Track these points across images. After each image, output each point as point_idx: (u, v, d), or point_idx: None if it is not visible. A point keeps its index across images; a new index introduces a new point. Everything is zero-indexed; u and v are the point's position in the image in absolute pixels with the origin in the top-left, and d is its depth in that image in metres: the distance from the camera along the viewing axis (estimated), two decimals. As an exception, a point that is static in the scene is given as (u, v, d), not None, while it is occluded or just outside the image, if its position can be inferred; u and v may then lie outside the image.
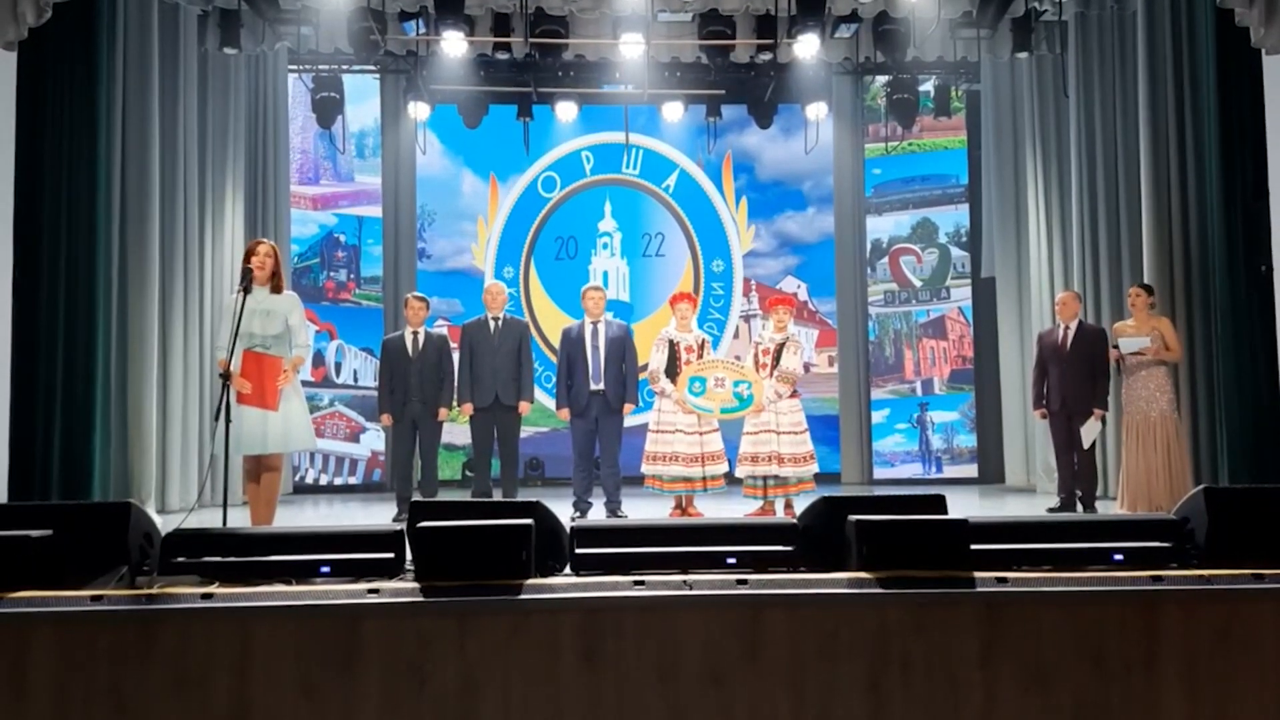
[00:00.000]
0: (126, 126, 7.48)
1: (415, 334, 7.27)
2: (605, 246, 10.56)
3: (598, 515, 6.83)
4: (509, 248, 10.57)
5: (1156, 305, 7.02)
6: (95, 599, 2.97)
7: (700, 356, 6.85)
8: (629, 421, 7.24)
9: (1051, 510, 7.07)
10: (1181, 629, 3.02)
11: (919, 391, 10.33)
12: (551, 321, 10.08)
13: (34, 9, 6.20)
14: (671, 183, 10.62)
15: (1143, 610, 3.03)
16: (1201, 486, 3.54)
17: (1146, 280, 7.45)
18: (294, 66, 9.56)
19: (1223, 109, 6.98)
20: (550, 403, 8.78)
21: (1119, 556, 3.33)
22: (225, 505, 4.87)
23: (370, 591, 3.03)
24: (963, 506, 5.79)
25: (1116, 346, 6.79)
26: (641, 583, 3.08)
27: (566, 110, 9.88)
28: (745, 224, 10.64)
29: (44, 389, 6.65)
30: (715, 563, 3.30)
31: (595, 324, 7.08)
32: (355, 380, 10.07)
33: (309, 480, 9.82)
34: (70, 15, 6.59)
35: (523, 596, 3.02)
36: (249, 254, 5.30)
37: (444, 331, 7.82)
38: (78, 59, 6.92)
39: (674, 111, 9.99)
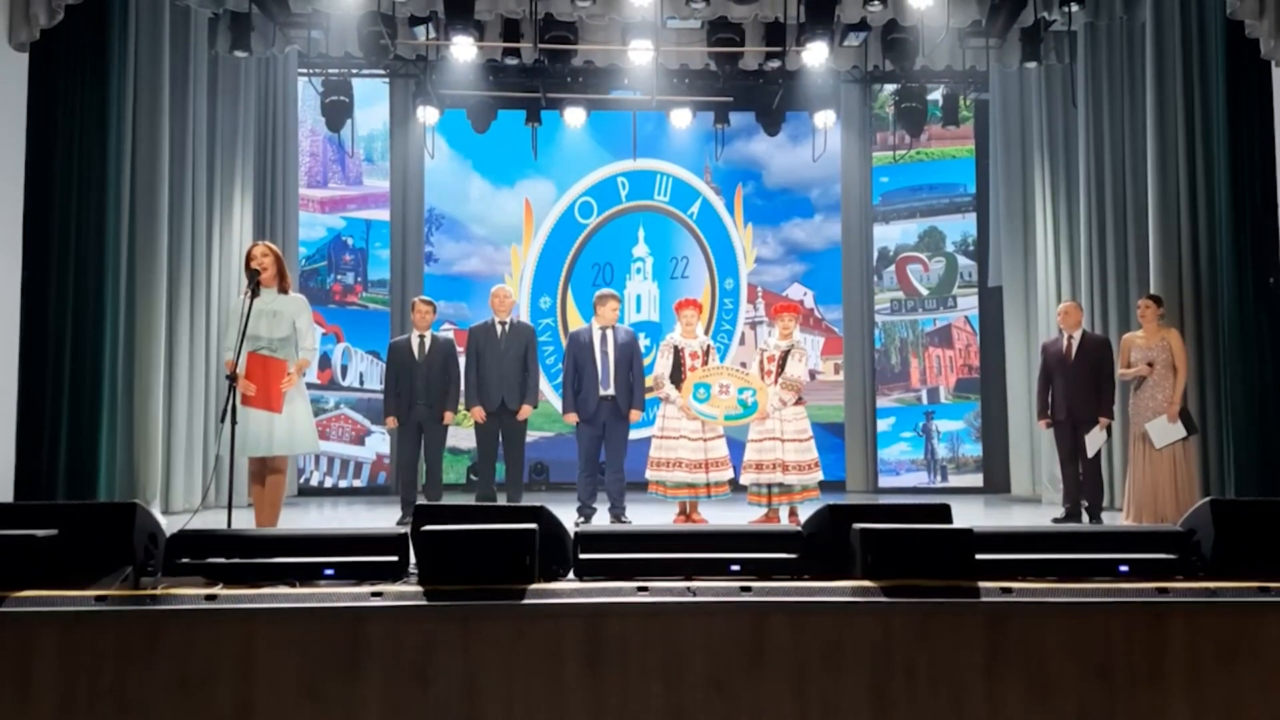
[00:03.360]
0: (137, 128, 7.50)
1: (421, 337, 7.28)
2: (639, 271, 10.66)
3: (602, 520, 6.82)
4: (545, 276, 10.61)
5: (1166, 316, 7.00)
6: (100, 599, 2.98)
7: (705, 363, 6.84)
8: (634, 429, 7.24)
9: (1057, 521, 7.05)
10: (1187, 641, 3.01)
11: (924, 400, 10.31)
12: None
13: (46, 10, 6.23)
14: (696, 209, 10.75)
15: (1148, 622, 3.02)
16: (1208, 498, 3.54)
17: (1154, 291, 7.43)
18: (304, 70, 9.59)
19: (1232, 120, 6.96)
20: (558, 407, 8.78)
21: (1124, 568, 3.32)
22: (230, 507, 4.88)
23: (374, 594, 3.04)
24: (968, 516, 5.76)
25: (1131, 364, 6.77)
26: (645, 589, 3.08)
27: (575, 116, 9.91)
28: (750, 245, 10.76)
29: (51, 389, 6.66)
30: (719, 569, 3.29)
31: (605, 329, 7.07)
32: (361, 383, 10.08)
33: (314, 483, 9.83)
34: (82, 17, 6.62)
35: (526, 601, 3.02)
36: (248, 257, 5.29)
37: (450, 335, 7.83)
38: (89, 61, 6.94)
39: (682, 118, 10.01)
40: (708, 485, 6.70)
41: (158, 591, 3.06)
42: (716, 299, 10.72)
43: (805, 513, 5.70)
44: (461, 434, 9.18)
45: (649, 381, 7.10)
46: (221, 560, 3.26)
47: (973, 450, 10.15)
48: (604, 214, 10.68)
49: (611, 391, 6.96)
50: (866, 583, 3.12)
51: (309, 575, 3.22)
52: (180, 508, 7.81)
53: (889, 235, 10.51)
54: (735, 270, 10.77)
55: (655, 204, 10.72)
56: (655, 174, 10.70)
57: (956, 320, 10.30)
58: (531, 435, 8.44)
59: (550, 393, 9.46)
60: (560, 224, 10.64)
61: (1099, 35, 8.48)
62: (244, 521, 5.54)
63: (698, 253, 10.74)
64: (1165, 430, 6.58)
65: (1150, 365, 6.67)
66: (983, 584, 3.11)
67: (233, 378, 4.91)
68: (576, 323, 10.43)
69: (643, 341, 7.81)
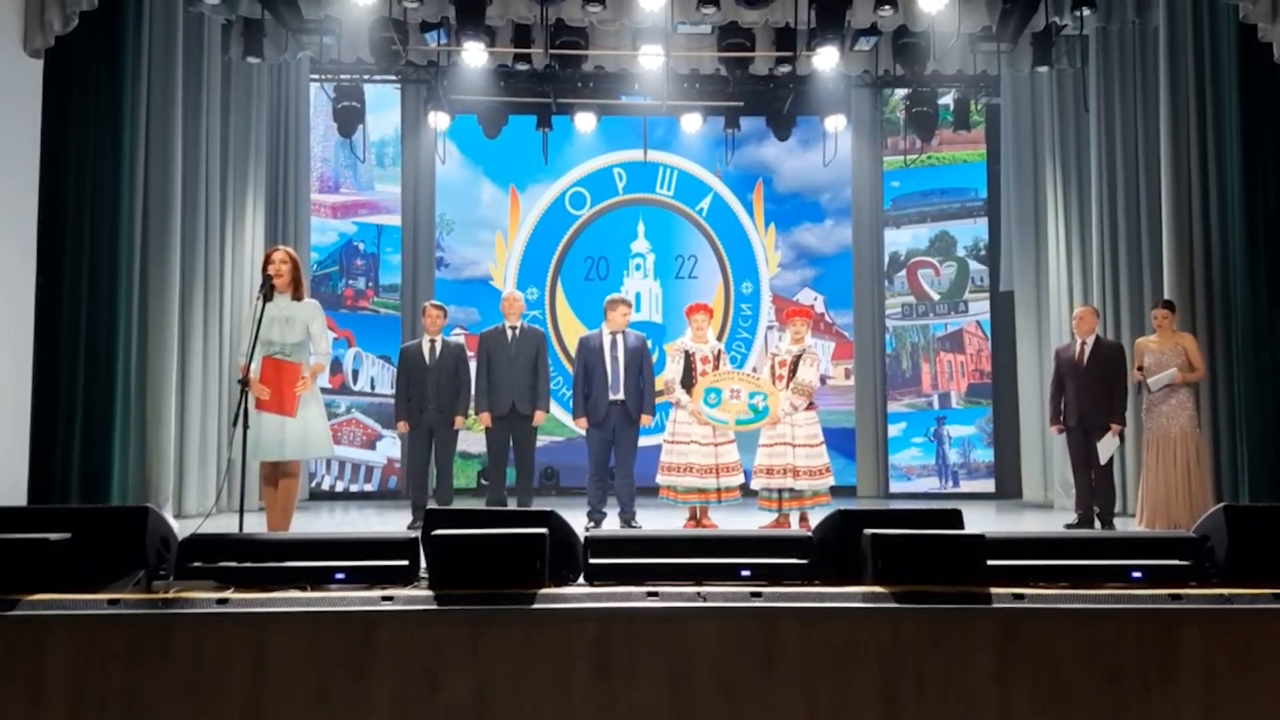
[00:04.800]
0: (150, 134, 7.54)
1: (433, 342, 7.29)
2: (638, 268, 10.50)
3: (612, 525, 6.82)
4: (532, 266, 10.50)
5: (1178, 321, 6.97)
6: (112, 602, 3.00)
7: (716, 367, 6.84)
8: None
9: (1069, 526, 7.02)
10: (1200, 648, 2.99)
11: (936, 405, 10.28)
12: (579, 344, 10.06)
13: (60, 17, 6.29)
14: (705, 205, 10.62)
15: (1161, 628, 3.01)
16: (1222, 504, 3.51)
17: (1167, 295, 7.40)
18: (316, 76, 9.64)
19: (1245, 125, 6.93)
20: (566, 417, 8.76)
21: (1137, 574, 3.30)
22: (242, 511, 4.90)
23: (384, 598, 3.04)
24: (979, 522, 5.75)
25: (1141, 369, 6.77)
26: (655, 594, 3.08)
27: (585, 121, 9.92)
28: (773, 248, 10.64)
29: (65, 393, 6.69)
30: (729, 574, 3.29)
31: (615, 334, 7.08)
32: (372, 387, 10.11)
33: (325, 487, 9.85)
34: (96, 24, 6.66)
35: (536, 605, 3.02)
36: (266, 261, 5.34)
37: (461, 340, 7.85)
38: (103, 67, 6.98)
39: (692, 123, 10.01)
40: (718, 490, 6.69)
41: (170, 595, 3.07)
42: (732, 303, 10.62)
43: (816, 518, 5.68)
44: (472, 439, 9.19)
45: (659, 384, 7.11)
46: (233, 564, 3.27)
47: (984, 455, 10.11)
48: (598, 205, 10.55)
49: (621, 396, 6.97)
50: (877, 588, 3.11)
51: (320, 579, 3.23)
52: (193, 511, 7.84)
53: (900, 240, 10.49)
54: (754, 273, 10.64)
55: (658, 198, 10.60)
56: (658, 166, 10.57)
57: (968, 325, 10.27)
58: (542, 440, 8.45)
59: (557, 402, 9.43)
60: (549, 214, 10.52)
61: (1110, 39, 8.46)
62: (256, 525, 5.57)
63: (708, 252, 10.62)
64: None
65: (1142, 369, 6.75)
66: (994, 590, 3.10)
67: (245, 382, 4.93)
68: (566, 316, 10.38)
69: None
